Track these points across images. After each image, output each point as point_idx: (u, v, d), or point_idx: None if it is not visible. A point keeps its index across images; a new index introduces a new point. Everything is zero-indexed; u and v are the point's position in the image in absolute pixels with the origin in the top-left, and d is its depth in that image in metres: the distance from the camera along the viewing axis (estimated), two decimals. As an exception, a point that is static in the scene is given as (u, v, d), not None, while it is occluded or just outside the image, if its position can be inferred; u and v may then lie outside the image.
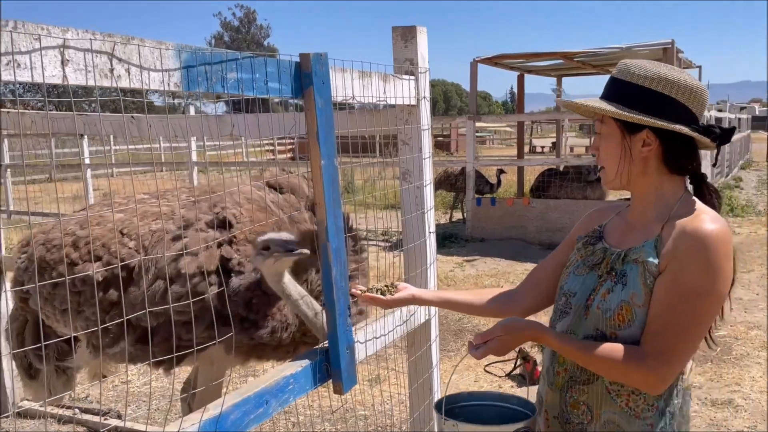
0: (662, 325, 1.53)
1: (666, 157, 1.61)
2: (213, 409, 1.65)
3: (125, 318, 2.21)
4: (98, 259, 2.31)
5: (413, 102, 2.60)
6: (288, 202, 2.45)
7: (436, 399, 2.58)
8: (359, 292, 1.96)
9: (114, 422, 4.04)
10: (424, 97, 2.65)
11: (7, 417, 4.04)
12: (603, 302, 1.62)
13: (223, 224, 2.31)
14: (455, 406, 1.81)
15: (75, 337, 2.54)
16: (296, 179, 2.54)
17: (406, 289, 1.97)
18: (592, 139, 1.75)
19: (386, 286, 1.96)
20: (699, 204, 1.62)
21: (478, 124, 11.21)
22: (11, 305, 3.27)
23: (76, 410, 4.17)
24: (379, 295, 1.94)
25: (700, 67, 13.76)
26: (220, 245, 2.26)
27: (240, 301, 2.14)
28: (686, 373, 1.65)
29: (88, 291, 2.31)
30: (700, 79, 16.34)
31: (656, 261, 1.56)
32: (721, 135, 1.59)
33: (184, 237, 2.29)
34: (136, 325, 2.25)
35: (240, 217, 2.32)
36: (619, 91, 1.62)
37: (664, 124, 1.56)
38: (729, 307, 1.63)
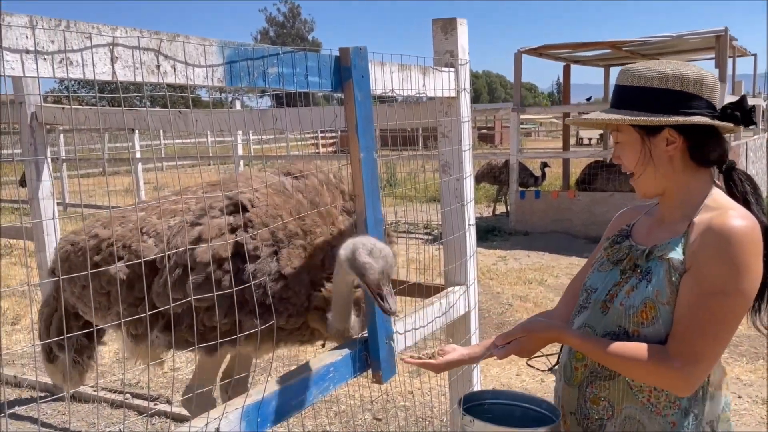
0: (687, 325, 1.50)
1: (692, 151, 1.59)
2: (255, 395, 1.69)
3: (136, 313, 2.28)
4: (120, 258, 2.36)
5: (453, 94, 2.59)
6: (309, 185, 2.43)
7: (477, 390, 2.59)
8: (411, 360, 1.95)
9: (163, 407, 4.19)
10: (465, 89, 2.64)
11: (62, 399, 4.23)
12: (627, 299, 1.60)
13: (238, 209, 2.29)
14: (483, 403, 1.82)
15: (105, 330, 2.65)
16: (306, 164, 2.53)
17: (455, 351, 1.94)
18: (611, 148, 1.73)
19: (435, 352, 1.97)
20: (727, 200, 1.59)
21: (523, 116, 11.05)
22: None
23: (128, 395, 4.33)
24: (429, 360, 1.92)
25: (755, 55, 13.25)
26: (234, 230, 2.24)
27: (256, 286, 2.13)
28: (712, 374, 1.59)
29: (114, 290, 2.39)
30: (755, 68, 15.67)
31: (682, 258, 1.53)
32: (742, 115, 1.57)
33: (199, 224, 2.30)
34: (164, 314, 2.29)
35: (255, 201, 2.30)
36: (628, 96, 1.61)
37: (682, 119, 1.54)
38: None
